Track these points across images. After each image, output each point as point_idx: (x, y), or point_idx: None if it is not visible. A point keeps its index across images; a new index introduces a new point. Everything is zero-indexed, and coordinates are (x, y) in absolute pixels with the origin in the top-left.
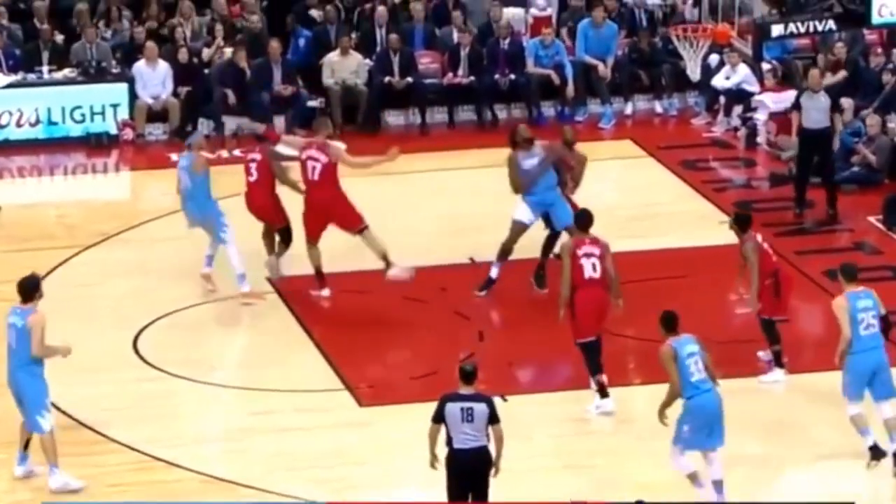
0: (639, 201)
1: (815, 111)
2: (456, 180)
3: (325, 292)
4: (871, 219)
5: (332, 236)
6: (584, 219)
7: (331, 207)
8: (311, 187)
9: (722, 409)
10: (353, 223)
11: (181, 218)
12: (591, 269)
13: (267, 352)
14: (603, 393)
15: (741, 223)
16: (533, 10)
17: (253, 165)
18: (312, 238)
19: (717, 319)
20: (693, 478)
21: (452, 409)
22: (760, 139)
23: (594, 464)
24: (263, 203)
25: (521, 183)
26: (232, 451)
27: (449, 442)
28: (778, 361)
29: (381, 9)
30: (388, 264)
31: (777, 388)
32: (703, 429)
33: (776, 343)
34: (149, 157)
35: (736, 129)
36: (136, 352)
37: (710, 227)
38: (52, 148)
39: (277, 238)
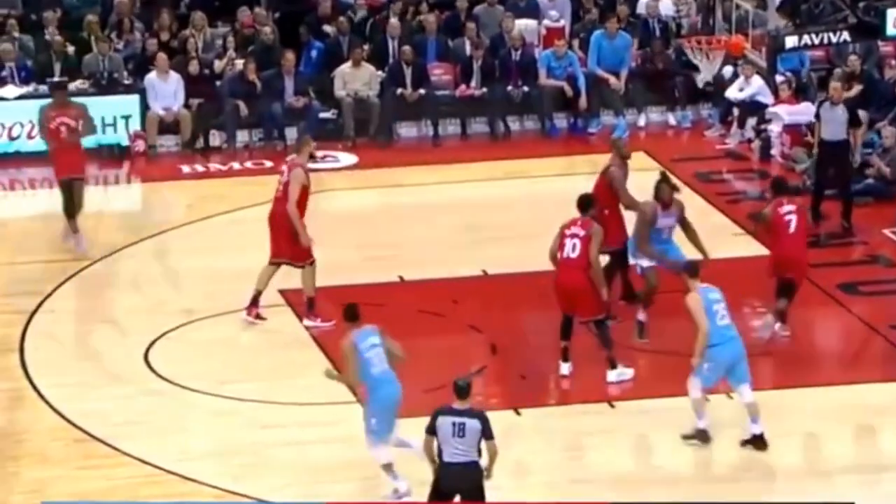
0: None
1: (834, 123)
2: (468, 192)
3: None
4: (886, 231)
5: (344, 249)
6: (582, 201)
7: (274, 223)
8: (274, 201)
9: (399, 401)
10: (277, 253)
11: (193, 230)
12: (570, 248)
13: (279, 364)
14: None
15: (774, 186)
16: (546, 22)
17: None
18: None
19: None
20: (388, 468)
21: (444, 422)
22: (774, 151)
23: (602, 478)
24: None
25: (644, 236)
26: (244, 465)
27: (440, 454)
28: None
29: (393, 21)
30: (255, 299)
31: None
32: (388, 419)
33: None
34: (160, 168)
35: (750, 141)
36: (148, 364)
37: (724, 240)
38: None
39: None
